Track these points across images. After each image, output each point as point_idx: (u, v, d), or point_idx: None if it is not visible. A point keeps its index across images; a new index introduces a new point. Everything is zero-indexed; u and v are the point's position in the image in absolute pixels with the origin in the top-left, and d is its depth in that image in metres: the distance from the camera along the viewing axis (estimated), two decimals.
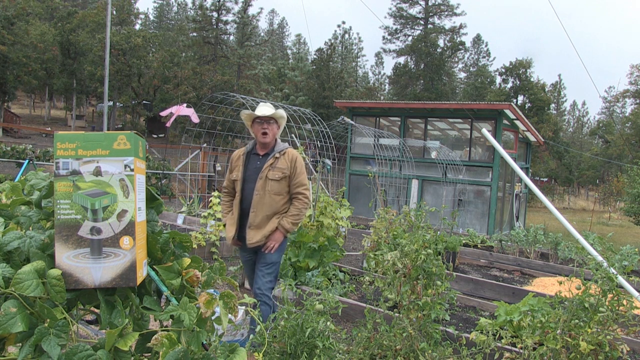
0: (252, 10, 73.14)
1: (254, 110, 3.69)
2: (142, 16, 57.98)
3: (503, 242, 9.84)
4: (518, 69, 39.23)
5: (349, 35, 53.47)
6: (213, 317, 1.36)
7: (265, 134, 3.51)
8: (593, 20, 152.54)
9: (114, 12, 36.92)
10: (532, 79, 39.70)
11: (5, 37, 31.43)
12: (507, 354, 3.35)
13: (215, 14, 40.72)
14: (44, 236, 1.26)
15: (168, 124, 15.50)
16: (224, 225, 3.72)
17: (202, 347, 1.31)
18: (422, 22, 47.44)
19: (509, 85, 40.50)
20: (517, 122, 14.18)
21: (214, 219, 7.23)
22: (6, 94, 33.92)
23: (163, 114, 14.33)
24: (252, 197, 3.49)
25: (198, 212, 10.25)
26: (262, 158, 3.57)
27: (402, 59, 48.57)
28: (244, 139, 17.20)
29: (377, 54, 58.93)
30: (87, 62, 34.58)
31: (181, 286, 1.41)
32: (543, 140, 20.23)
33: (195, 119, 12.38)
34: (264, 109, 3.58)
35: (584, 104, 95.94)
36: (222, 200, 3.80)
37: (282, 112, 3.61)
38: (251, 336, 2.68)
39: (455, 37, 47.29)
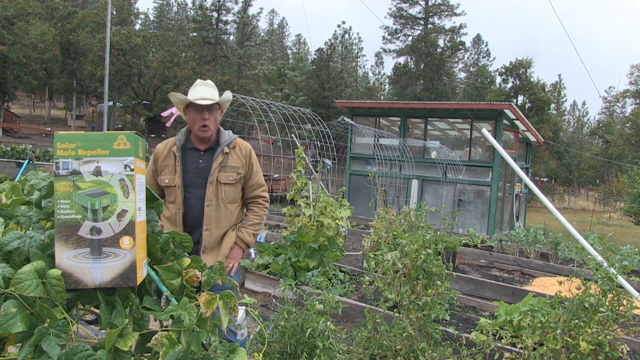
0: (252, 10, 73.21)
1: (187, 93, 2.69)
2: (142, 16, 58.08)
3: (503, 242, 9.84)
4: (518, 69, 39.25)
5: (349, 35, 53.51)
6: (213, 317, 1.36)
7: (205, 127, 2.58)
8: (593, 20, 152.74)
9: (114, 12, 36.96)
10: (532, 79, 39.73)
11: (5, 37, 31.48)
12: (507, 354, 3.35)
13: (215, 14, 40.79)
14: (44, 236, 1.25)
15: (168, 124, 15.51)
16: None
17: (202, 347, 1.31)
18: (422, 22, 47.47)
19: (509, 85, 40.53)
20: (517, 122, 14.18)
21: None
22: (6, 94, 33.95)
23: (164, 114, 14.35)
24: (200, 210, 2.62)
25: None
26: (205, 154, 2.67)
27: (402, 59, 48.65)
28: (244, 139, 17.17)
29: (377, 54, 58.98)
30: (87, 62, 34.64)
31: (181, 286, 1.41)
32: (543, 140, 20.24)
33: None
34: (204, 91, 2.60)
35: (584, 104, 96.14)
36: None
37: (227, 96, 2.70)
38: (251, 336, 2.67)
39: (455, 37, 47.34)
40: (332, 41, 44.73)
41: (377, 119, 15.85)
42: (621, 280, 3.24)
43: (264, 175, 3.73)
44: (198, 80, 2.71)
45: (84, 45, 34.68)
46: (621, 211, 24.46)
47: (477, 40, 56.24)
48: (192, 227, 2.61)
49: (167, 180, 2.62)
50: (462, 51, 50.69)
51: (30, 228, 1.34)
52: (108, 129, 21.88)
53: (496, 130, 13.17)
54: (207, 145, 2.67)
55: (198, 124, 2.57)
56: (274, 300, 5.08)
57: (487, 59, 55.68)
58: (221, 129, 2.75)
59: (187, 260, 1.45)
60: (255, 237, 2.81)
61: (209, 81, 2.71)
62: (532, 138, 16.86)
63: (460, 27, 47.12)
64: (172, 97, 2.64)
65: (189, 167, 2.64)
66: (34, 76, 37.24)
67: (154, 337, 1.22)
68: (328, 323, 2.76)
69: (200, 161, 2.65)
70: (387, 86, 57.23)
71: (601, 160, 40.38)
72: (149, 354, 1.32)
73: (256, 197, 2.79)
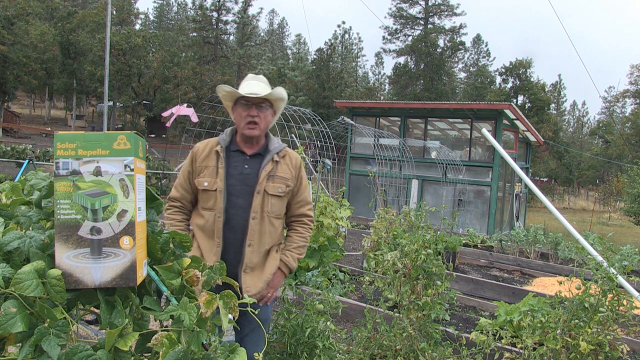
0: (252, 10, 73.16)
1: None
2: (142, 16, 58.10)
3: (503, 242, 9.84)
4: (518, 69, 39.27)
5: (349, 35, 53.54)
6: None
7: (253, 124, 2.27)
8: (593, 20, 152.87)
9: (114, 12, 36.97)
10: (532, 79, 39.76)
11: (5, 37, 31.49)
12: (507, 354, 3.35)
13: (215, 14, 40.82)
14: (44, 236, 1.25)
15: (168, 124, 15.52)
16: None
17: (202, 347, 1.31)
18: (422, 22, 47.51)
19: (509, 85, 40.56)
20: (517, 122, 14.18)
21: None
22: (6, 94, 33.96)
23: (164, 114, 14.37)
24: (241, 222, 2.26)
25: None
26: (252, 160, 2.33)
27: (402, 59, 48.70)
28: None
29: (377, 54, 59.00)
30: (87, 62, 34.66)
31: (181, 286, 1.41)
32: (543, 140, 20.25)
33: (194, 118, 12.41)
34: (255, 85, 2.33)
35: (584, 104, 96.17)
36: (172, 219, 2.36)
37: (280, 92, 2.35)
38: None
39: (455, 37, 47.39)
40: (332, 41, 44.77)
41: (377, 119, 15.85)
42: (621, 280, 3.24)
43: None
44: (249, 75, 2.46)
45: (84, 45, 34.70)
46: (621, 211, 24.46)
47: (477, 40, 56.25)
48: (233, 241, 2.27)
49: (205, 183, 2.28)
50: (462, 51, 50.75)
51: (30, 228, 1.34)
52: (108, 129, 21.88)
53: (496, 130, 13.17)
54: (254, 150, 2.34)
55: (245, 120, 2.27)
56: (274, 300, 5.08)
57: (487, 59, 55.72)
58: (270, 134, 2.44)
59: (187, 260, 1.45)
60: (298, 263, 2.47)
61: (261, 76, 2.44)
62: (532, 138, 16.86)
63: (460, 27, 47.19)
64: (219, 90, 2.35)
65: (232, 171, 2.30)
66: (34, 76, 37.26)
67: (154, 337, 1.22)
68: (328, 323, 2.76)
69: (246, 166, 2.31)
70: (387, 86, 57.25)
71: (601, 160, 40.38)
72: (149, 354, 1.32)
73: (302, 215, 2.46)
